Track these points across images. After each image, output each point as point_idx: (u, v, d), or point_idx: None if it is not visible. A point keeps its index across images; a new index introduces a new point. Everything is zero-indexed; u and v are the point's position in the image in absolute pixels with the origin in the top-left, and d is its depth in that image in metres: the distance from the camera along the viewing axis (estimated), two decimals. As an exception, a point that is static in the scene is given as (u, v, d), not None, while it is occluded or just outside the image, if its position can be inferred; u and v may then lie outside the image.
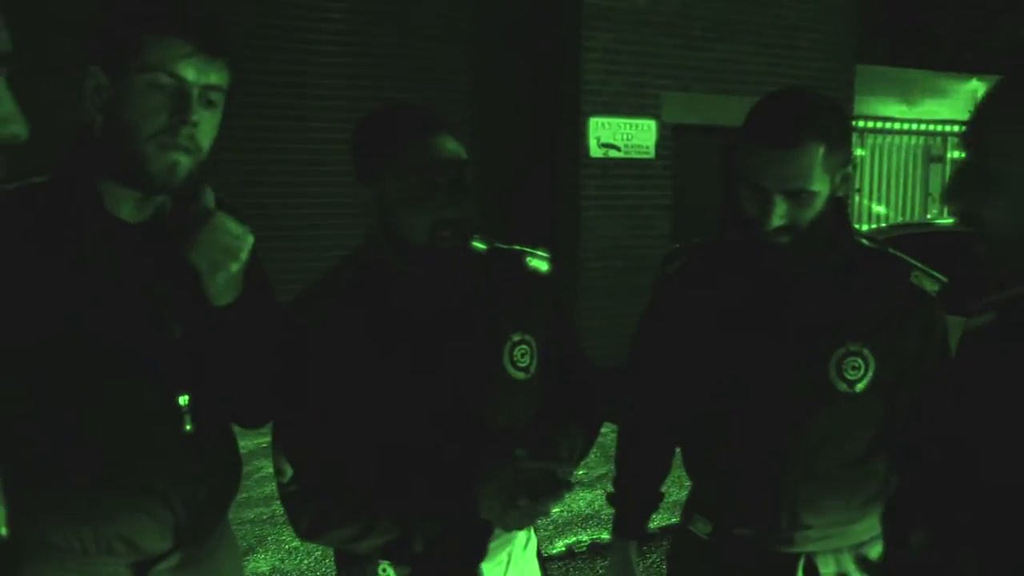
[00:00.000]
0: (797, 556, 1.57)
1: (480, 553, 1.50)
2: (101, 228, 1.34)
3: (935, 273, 1.59)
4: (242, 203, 1.49)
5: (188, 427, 1.39)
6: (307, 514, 1.47)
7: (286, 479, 1.48)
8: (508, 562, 1.56)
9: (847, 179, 1.51)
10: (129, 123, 1.30)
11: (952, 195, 1.04)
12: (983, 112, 1.02)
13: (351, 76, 6.87)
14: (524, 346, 1.53)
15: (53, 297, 1.29)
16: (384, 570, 1.52)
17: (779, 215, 1.45)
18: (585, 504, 4.59)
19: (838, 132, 1.46)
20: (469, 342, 1.48)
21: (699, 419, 1.63)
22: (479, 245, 1.59)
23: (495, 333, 1.51)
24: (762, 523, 1.56)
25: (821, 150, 1.42)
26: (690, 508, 1.68)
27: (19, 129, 0.89)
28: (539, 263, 1.63)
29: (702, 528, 1.63)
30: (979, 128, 1.01)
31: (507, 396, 1.50)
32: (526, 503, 1.38)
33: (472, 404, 1.48)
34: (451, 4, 7.21)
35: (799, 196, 1.45)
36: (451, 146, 1.45)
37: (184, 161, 1.32)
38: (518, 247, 1.65)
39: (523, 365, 1.53)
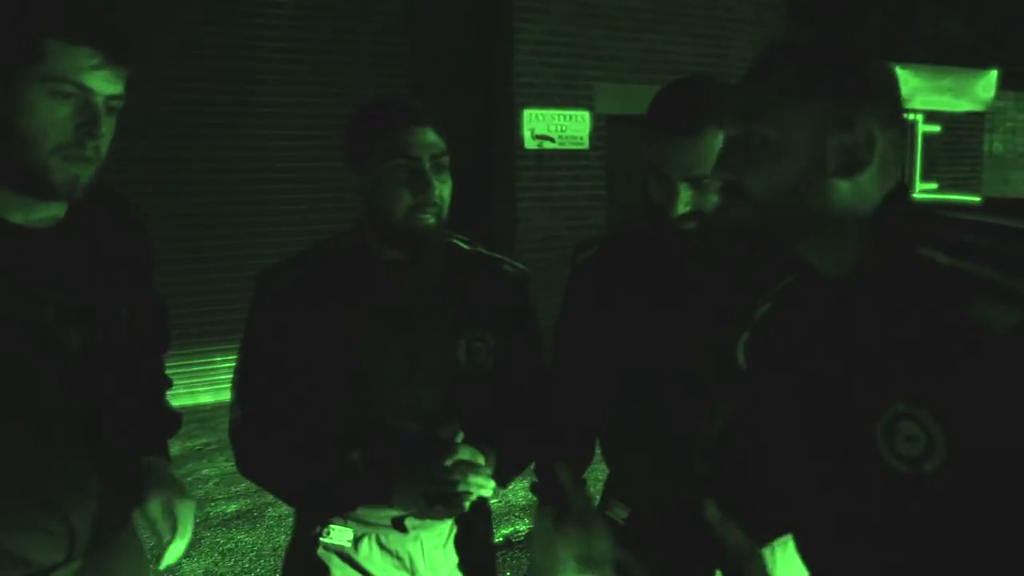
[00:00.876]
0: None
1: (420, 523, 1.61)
2: None
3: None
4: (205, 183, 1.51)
5: (81, 435, 1.36)
6: (250, 456, 1.63)
7: (234, 416, 1.64)
8: (449, 534, 1.67)
9: None
10: (29, 133, 1.27)
11: (718, 166, 1.13)
12: (750, 86, 1.12)
13: (287, 72, 6.79)
14: (481, 343, 1.64)
15: None
16: (328, 532, 1.63)
17: (683, 202, 1.48)
18: (523, 495, 4.61)
19: None
20: (430, 331, 1.60)
21: (615, 408, 1.66)
22: (462, 244, 1.73)
23: (457, 326, 1.62)
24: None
25: (720, 135, 1.45)
26: (607, 495, 1.71)
27: None
28: (513, 270, 1.77)
29: (618, 514, 1.66)
30: (746, 100, 1.12)
31: (457, 389, 1.60)
32: (439, 507, 1.50)
33: (423, 391, 1.58)
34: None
35: (702, 183, 1.47)
36: (432, 137, 1.58)
37: (88, 172, 1.32)
38: (498, 255, 1.79)
39: (478, 361, 1.64)
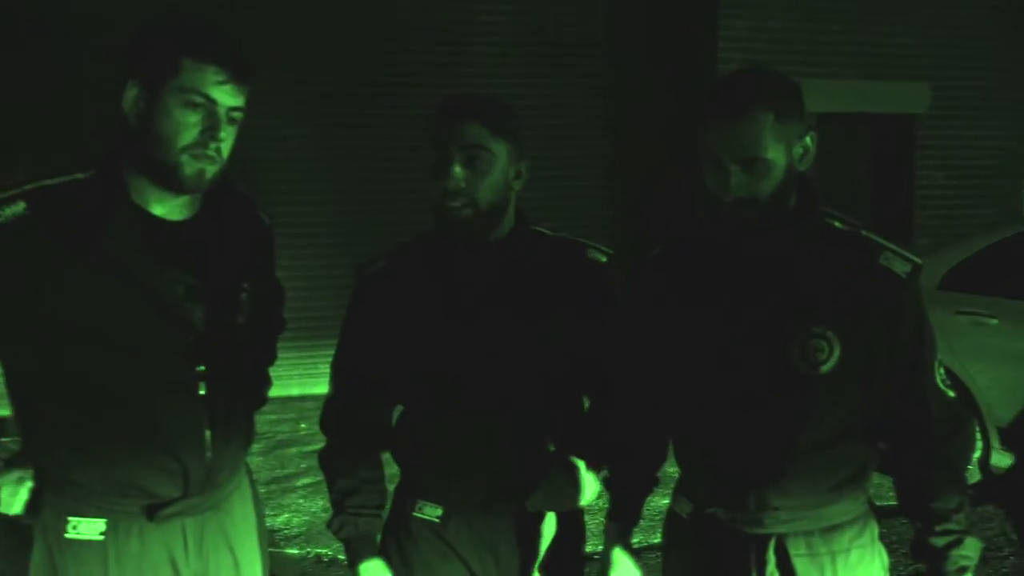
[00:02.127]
0: (768, 537, 1.59)
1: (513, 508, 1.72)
2: (128, 220, 1.56)
3: (908, 254, 1.60)
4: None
5: (202, 391, 1.59)
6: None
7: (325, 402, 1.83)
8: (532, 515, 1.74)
9: (807, 153, 1.55)
10: (166, 134, 1.52)
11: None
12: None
13: (494, 75, 6.99)
14: (565, 323, 1.72)
15: (91, 281, 1.52)
16: (421, 508, 1.75)
17: (737, 185, 1.50)
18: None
19: (788, 103, 1.52)
20: (511, 315, 1.69)
21: (678, 404, 1.69)
22: (544, 232, 1.82)
23: (538, 309, 1.71)
24: (731, 504, 1.60)
25: (770, 118, 1.48)
26: (677, 490, 1.74)
27: None
28: (598, 255, 1.82)
29: (684, 508, 1.69)
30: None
31: (542, 367, 1.71)
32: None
33: (508, 370, 1.69)
34: (584, 1, 7.22)
35: (753, 165, 1.50)
36: (473, 131, 1.65)
37: (212, 168, 1.56)
38: (583, 241, 1.84)
39: (559, 340, 1.72)
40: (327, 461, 1.82)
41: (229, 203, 1.70)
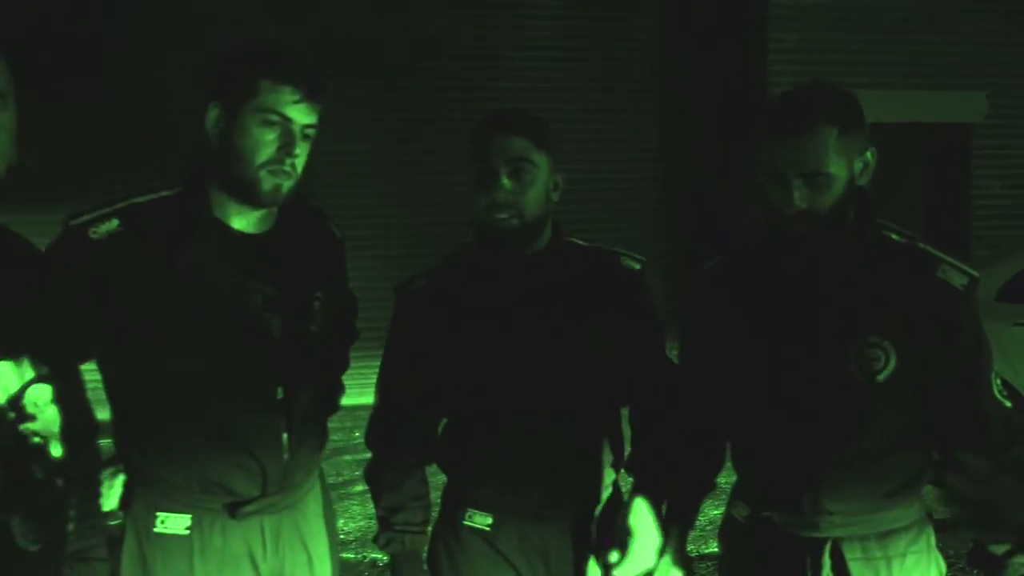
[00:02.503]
0: (823, 541, 1.61)
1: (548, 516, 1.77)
2: (211, 234, 1.65)
3: (965, 267, 1.62)
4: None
5: (279, 396, 1.68)
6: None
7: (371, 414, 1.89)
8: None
9: (867, 167, 1.58)
10: (245, 151, 1.61)
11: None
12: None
13: (542, 88, 7.04)
14: (604, 331, 1.78)
15: (177, 292, 1.61)
16: (470, 517, 1.80)
17: (800, 198, 1.53)
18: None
19: (851, 118, 1.54)
20: (553, 325, 1.75)
21: (737, 410, 1.71)
22: (578, 242, 1.88)
23: (578, 316, 1.77)
24: (787, 507, 1.62)
25: (834, 133, 1.51)
26: (733, 495, 1.77)
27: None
28: (632, 263, 1.89)
29: (740, 512, 1.72)
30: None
31: (585, 375, 1.76)
32: None
33: (553, 379, 1.74)
34: (633, 11, 7.26)
35: (816, 179, 1.52)
36: (517, 145, 1.72)
37: (287, 183, 1.65)
38: (616, 249, 1.91)
39: (602, 348, 1.77)
40: (373, 476, 1.88)
41: (303, 217, 1.79)
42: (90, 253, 1.58)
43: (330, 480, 5.11)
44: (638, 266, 1.87)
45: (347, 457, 5.61)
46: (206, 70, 1.68)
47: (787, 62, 6.81)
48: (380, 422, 1.88)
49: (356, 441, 6.10)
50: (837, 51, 6.87)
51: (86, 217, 1.61)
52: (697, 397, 1.77)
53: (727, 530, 1.79)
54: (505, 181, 1.69)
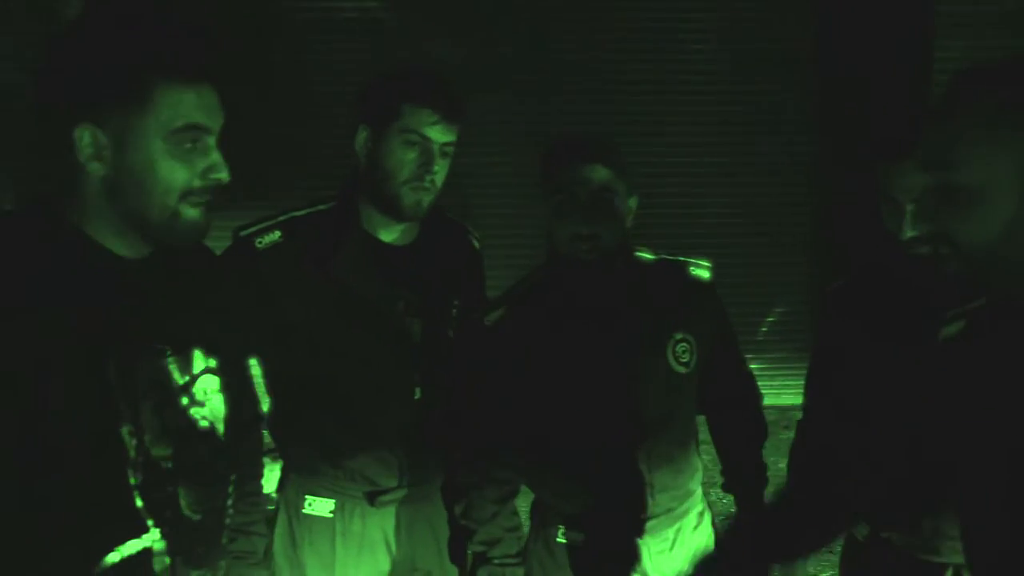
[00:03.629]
0: (944, 567, 1.59)
1: (641, 530, 1.77)
2: (360, 245, 1.82)
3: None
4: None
5: (417, 396, 1.82)
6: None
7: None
8: (675, 540, 1.81)
9: None
10: (388, 169, 1.77)
11: (924, 217, 1.07)
12: (939, 125, 1.03)
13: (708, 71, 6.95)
14: (685, 344, 1.80)
15: (329, 297, 1.78)
16: (564, 533, 1.83)
17: (911, 225, 1.54)
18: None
19: None
20: (631, 338, 1.77)
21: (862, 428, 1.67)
22: (646, 256, 1.90)
23: (659, 331, 1.79)
24: (906, 529, 1.62)
25: None
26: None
27: (223, 175, 1.25)
28: (701, 272, 1.90)
29: (861, 531, 1.71)
30: (936, 144, 1.03)
31: (669, 388, 1.78)
32: None
33: (635, 394, 1.75)
34: (790, 31, 7.10)
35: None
36: (600, 174, 1.72)
37: (427, 198, 1.80)
38: (683, 258, 1.92)
39: (684, 360, 1.79)
40: (467, 513, 1.81)
41: (444, 230, 1.93)
42: (256, 261, 1.76)
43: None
44: (708, 275, 1.89)
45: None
46: (357, 95, 1.86)
47: (952, 71, 6.47)
48: (471, 459, 1.83)
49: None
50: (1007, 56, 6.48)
51: (253, 228, 1.80)
52: (825, 416, 1.77)
53: (847, 548, 1.79)
54: (587, 211, 1.69)
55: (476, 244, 2.04)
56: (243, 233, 1.80)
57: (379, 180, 1.78)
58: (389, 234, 1.84)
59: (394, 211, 1.79)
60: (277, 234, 1.79)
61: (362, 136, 1.79)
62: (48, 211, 1.21)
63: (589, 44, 7.01)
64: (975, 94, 1.02)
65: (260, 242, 1.78)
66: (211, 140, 1.23)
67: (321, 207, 1.86)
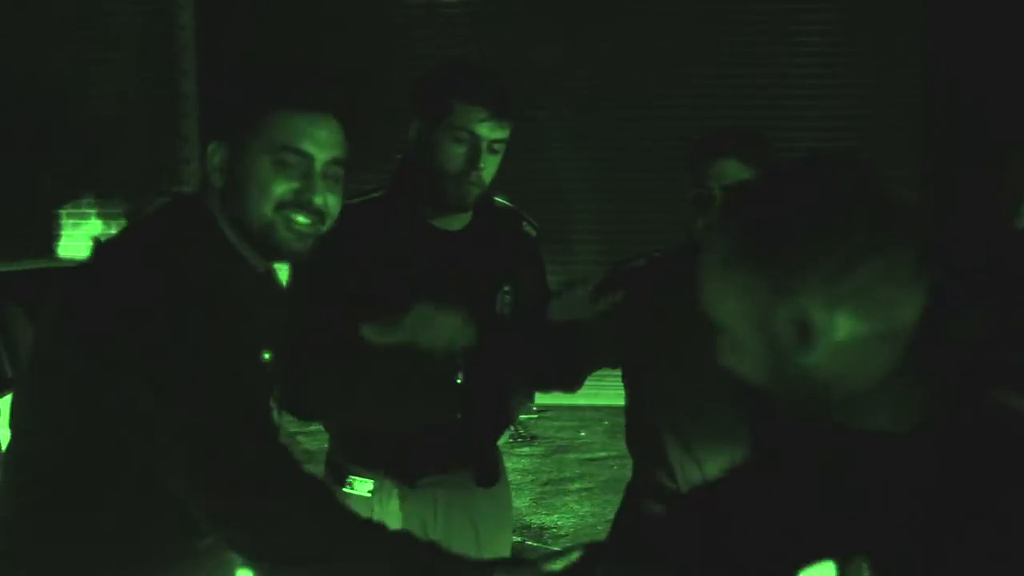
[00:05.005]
0: None
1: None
2: (411, 230, 1.87)
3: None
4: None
5: (459, 380, 1.86)
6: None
7: None
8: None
9: None
10: (437, 163, 1.81)
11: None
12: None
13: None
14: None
15: (384, 277, 1.82)
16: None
17: None
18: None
19: None
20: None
21: None
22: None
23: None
24: None
25: None
26: None
27: (318, 200, 1.37)
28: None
29: None
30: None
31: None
32: None
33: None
34: (899, 27, 6.78)
35: None
36: (731, 168, 1.75)
37: (474, 191, 1.84)
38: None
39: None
40: None
41: (496, 216, 1.98)
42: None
43: (551, 476, 5.24)
44: (535, 232, 2.04)
45: (571, 455, 5.72)
46: (411, 90, 1.90)
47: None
48: None
49: (580, 440, 6.16)
50: None
51: None
52: None
53: None
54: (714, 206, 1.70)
55: (531, 231, 2.06)
56: None
57: (429, 171, 1.82)
58: (442, 221, 1.89)
59: (441, 202, 1.85)
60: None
61: (414, 129, 1.84)
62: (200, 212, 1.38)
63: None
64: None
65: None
66: (317, 167, 1.35)
67: (374, 195, 1.91)
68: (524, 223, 2.06)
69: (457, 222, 1.90)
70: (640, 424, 1.92)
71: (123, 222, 5.45)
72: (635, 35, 6.88)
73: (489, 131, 1.79)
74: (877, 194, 0.95)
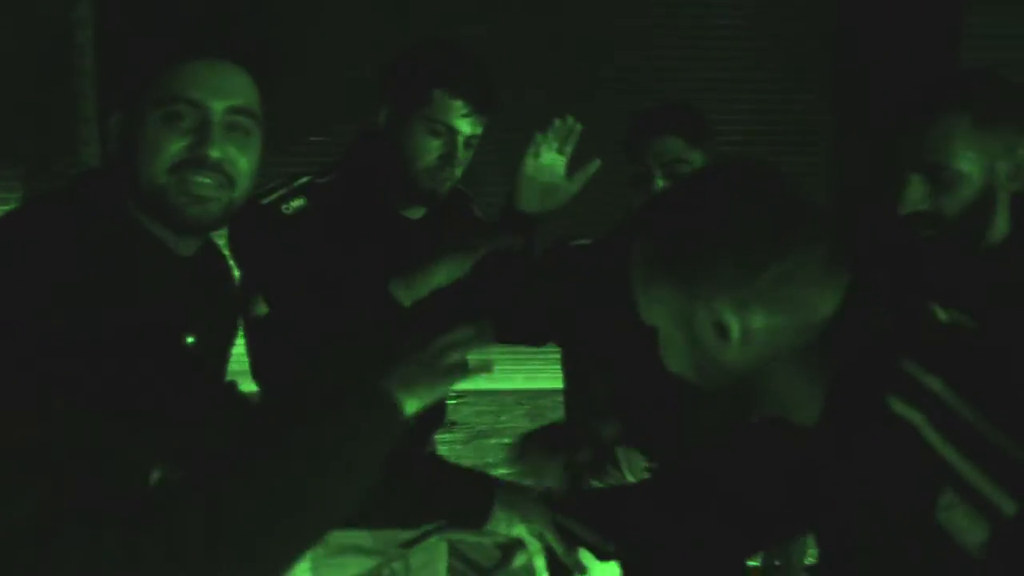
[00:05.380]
0: None
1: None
2: (373, 218, 1.81)
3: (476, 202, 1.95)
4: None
5: None
6: None
7: None
8: None
9: (1020, 171, 1.46)
10: (409, 154, 1.73)
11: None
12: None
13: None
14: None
15: (340, 260, 1.74)
16: None
17: (914, 197, 1.44)
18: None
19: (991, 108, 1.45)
20: None
21: None
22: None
23: None
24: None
25: (965, 121, 1.43)
26: None
27: (212, 153, 1.23)
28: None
29: None
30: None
31: None
32: None
33: None
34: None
35: (940, 176, 1.42)
36: (671, 145, 1.73)
37: (447, 186, 1.78)
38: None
39: None
40: None
41: (449, 201, 1.90)
42: (284, 224, 1.73)
43: (473, 462, 5.23)
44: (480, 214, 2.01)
45: (492, 440, 5.72)
46: (383, 68, 1.77)
47: (980, 48, 6.31)
48: None
49: (501, 425, 6.24)
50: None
51: (274, 196, 1.76)
52: None
53: None
54: (660, 184, 1.67)
55: (479, 214, 2.04)
56: (265, 201, 1.73)
57: (398, 160, 1.74)
58: (405, 210, 1.85)
59: (409, 193, 1.78)
60: (302, 200, 1.74)
61: (385, 114, 1.75)
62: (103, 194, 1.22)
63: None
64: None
65: (287, 208, 1.73)
66: (213, 116, 1.19)
67: (321, 180, 1.83)
68: (474, 206, 2.02)
69: (419, 211, 1.86)
70: (580, 408, 1.92)
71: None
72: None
73: (470, 126, 1.71)
74: (782, 197, 1.01)
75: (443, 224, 1.89)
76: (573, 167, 1.79)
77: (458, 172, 1.77)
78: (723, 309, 1.01)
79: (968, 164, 1.36)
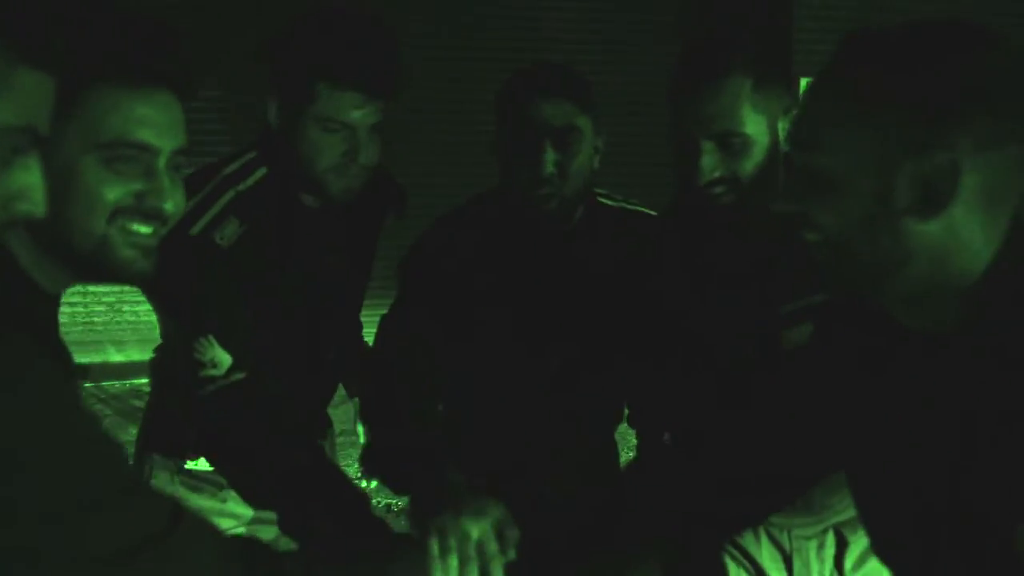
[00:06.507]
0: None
1: None
2: (301, 217, 1.63)
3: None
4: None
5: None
6: None
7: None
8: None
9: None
10: (305, 155, 1.50)
11: (786, 196, 0.96)
12: (812, 108, 0.94)
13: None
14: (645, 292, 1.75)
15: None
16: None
17: (709, 166, 1.38)
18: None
19: (768, 69, 1.40)
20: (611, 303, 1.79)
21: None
22: (605, 201, 1.84)
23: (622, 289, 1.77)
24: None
25: (748, 86, 1.36)
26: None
27: (165, 205, 1.05)
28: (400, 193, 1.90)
29: None
30: (808, 125, 0.94)
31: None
32: None
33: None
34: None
35: (729, 142, 1.37)
36: (562, 110, 1.50)
37: (357, 182, 1.55)
38: (643, 209, 1.79)
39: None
40: None
41: (371, 186, 1.66)
42: (223, 262, 1.50)
43: (344, 427, 5.23)
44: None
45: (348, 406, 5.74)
46: (265, 55, 1.52)
47: (812, 18, 6.65)
48: None
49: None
50: (868, 5, 6.69)
51: (203, 222, 1.49)
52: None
53: None
54: (549, 153, 1.48)
55: (400, 202, 1.91)
56: (193, 231, 1.46)
57: (297, 163, 1.52)
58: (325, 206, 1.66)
59: (324, 196, 1.56)
60: (235, 223, 1.49)
61: (273, 111, 1.52)
62: None
63: None
64: (848, 65, 0.91)
65: (221, 239, 1.48)
66: (160, 162, 1.02)
67: (258, 174, 1.57)
68: (396, 187, 1.85)
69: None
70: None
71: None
72: None
73: (367, 116, 1.46)
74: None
75: (368, 211, 1.73)
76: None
77: (369, 162, 1.51)
78: (941, 169, 0.83)
79: (755, 127, 1.33)
